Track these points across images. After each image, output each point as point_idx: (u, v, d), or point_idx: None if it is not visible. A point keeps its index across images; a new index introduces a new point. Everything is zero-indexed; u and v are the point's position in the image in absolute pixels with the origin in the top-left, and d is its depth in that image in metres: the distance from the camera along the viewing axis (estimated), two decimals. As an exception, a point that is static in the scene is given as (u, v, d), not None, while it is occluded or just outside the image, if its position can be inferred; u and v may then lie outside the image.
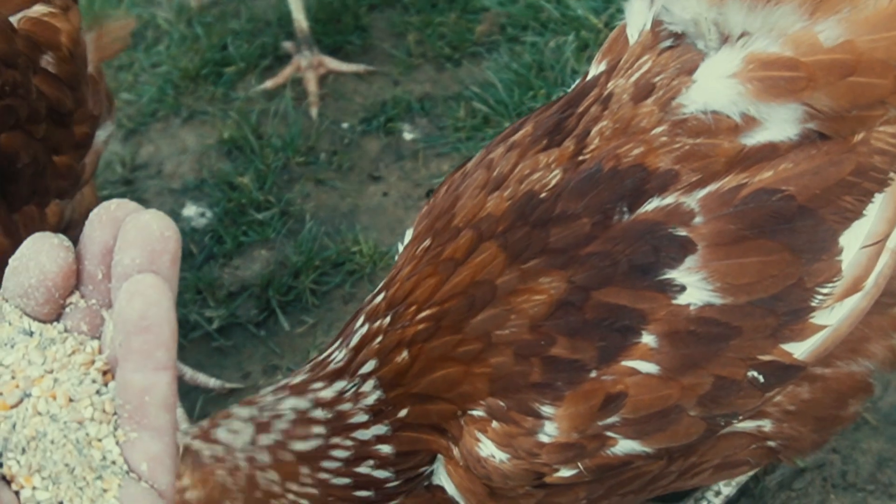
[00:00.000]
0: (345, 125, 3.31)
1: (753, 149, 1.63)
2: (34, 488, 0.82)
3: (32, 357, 0.84)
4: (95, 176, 2.98)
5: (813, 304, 1.63)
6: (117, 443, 0.83)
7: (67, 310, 0.86)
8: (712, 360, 1.60)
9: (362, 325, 1.75)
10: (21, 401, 0.83)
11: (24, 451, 0.82)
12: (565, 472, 1.66)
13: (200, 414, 2.62)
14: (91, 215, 0.84)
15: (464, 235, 1.71)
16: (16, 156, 1.94)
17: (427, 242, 1.76)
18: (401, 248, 1.90)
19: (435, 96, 3.31)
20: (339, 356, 1.74)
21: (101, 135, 2.31)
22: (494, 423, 1.66)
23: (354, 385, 1.70)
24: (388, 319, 1.72)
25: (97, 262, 0.84)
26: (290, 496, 1.65)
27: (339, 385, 1.70)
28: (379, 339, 1.71)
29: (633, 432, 1.63)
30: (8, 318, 0.85)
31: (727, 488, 2.26)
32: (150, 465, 0.82)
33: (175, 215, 3.11)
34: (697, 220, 1.60)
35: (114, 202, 0.84)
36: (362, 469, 1.69)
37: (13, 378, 0.83)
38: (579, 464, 1.65)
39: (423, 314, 1.69)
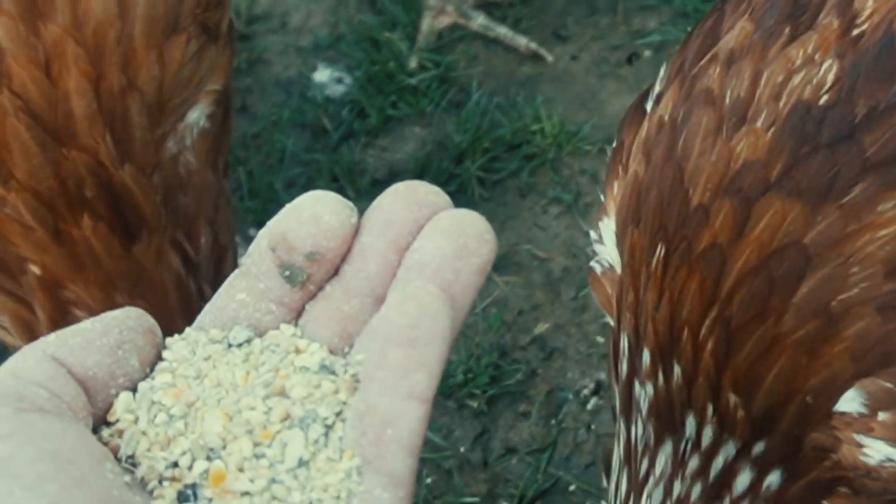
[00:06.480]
0: (524, -32, 3.18)
1: None
2: None
3: (257, 363, 0.76)
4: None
5: None
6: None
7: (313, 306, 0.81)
8: None
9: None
10: (231, 422, 0.73)
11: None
12: None
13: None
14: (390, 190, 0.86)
15: (717, 210, 1.50)
16: None
17: (660, 250, 1.55)
18: (606, 245, 1.69)
19: (640, -71, 3.17)
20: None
21: None
22: (881, 415, 1.49)
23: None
24: (660, 379, 1.57)
25: (378, 234, 0.79)
26: None
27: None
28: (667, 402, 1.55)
29: None
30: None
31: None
32: None
33: (304, 80, 2.94)
34: None
35: (416, 183, 0.83)
36: None
37: (215, 389, 0.74)
38: None
39: (705, 329, 1.51)
